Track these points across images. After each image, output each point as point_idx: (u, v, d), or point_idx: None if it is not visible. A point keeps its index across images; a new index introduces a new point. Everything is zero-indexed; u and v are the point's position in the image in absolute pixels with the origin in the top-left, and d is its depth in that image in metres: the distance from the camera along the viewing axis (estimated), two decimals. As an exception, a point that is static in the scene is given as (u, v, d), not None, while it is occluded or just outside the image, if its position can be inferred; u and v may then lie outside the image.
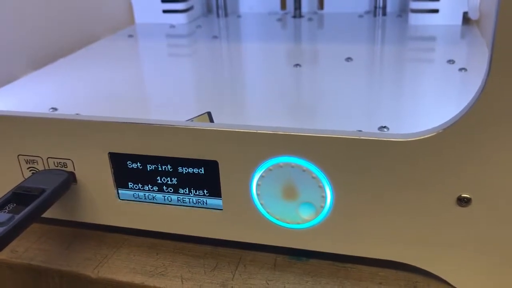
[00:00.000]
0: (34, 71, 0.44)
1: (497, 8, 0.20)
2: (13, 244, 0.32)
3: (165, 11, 0.59)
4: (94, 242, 0.32)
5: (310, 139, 0.25)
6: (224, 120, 0.31)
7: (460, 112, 0.23)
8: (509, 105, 0.22)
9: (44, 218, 0.30)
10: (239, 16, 0.62)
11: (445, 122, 0.24)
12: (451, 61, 0.40)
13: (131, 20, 0.62)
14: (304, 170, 0.26)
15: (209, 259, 0.31)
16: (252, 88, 0.38)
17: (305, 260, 0.30)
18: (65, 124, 0.29)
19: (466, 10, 0.50)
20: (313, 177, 0.26)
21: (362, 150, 0.25)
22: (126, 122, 0.28)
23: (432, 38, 0.49)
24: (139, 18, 0.61)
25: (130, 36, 0.55)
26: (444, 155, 0.24)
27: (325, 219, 0.27)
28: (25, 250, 0.32)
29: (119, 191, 0.30)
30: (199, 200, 0.29)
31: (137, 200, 0.30)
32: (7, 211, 0.27)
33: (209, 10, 0.65)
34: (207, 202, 0.29)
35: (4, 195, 0.28)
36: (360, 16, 0.58)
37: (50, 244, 0.33)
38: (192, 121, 0.31)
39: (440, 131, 0.24)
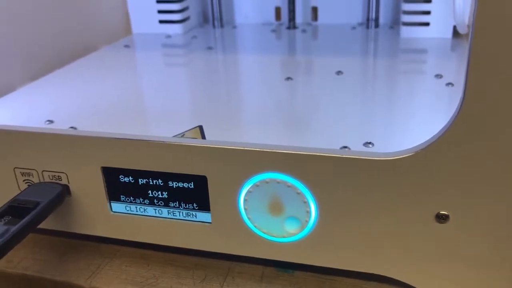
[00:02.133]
0: (31, 81, 0.45)
1: (472, 33, 0.21)
2: (8, 254, 0.33)
3: (161, 22, 0.60)
4: (87, 252, 0.33)
5: (295, 156, 0.26)
6: (215, 133, 0.32)
7: (438, 132, 0.24)
8: (485, 125, 0.23)
9: (38, 228, 0.31)
10: (234, 27, 0.63)
11: (424, 142, 0.25)
12: (438, 76, 0.40)
13: (127, 28, 0.63)
14: (289, 186, 0.27)
15: (199, 271, 0.31)
16: (244, 102, 0.39)
17: (291, 272, 0.31)
18: (60, 138, 0.30)
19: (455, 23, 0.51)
20: (298, 193, 0.27)
21: (344, 168, 0.26)
22: (119, 138, 0.29)
23: (421, 52, 0.50)
24: (136, 28, 0.62)
25: (127, 46, 0.56)
26: (423, 174, 0.25)
27: (310, 233, 0.28)
28: (20, 260, 0.33)
29: (112, 204, 0.31)
30: (188, 214, 0.30)
31: (129, 212, 0.31)
32: (3, 223, 0.28)
33: (205, 20, 0.66)
34: (196, 216, 0.30)
35: (0, 208, 0.29)
36: (353, 27, 0.59)
37: (44, 255, 0.33)
38: (183, 135, 0.32)
39: (419, 150, 0.24)
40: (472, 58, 0.22)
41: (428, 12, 0.52)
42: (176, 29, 0.60)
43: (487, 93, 0.22)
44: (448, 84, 0.38)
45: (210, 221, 0.30)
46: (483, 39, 0.21)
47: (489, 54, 0.21)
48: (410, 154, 0.25)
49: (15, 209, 0.29)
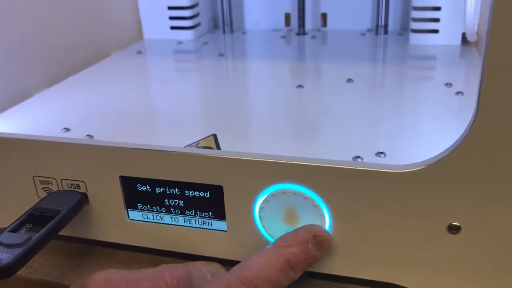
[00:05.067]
0: (46, 87, 0.46)
1: (485, 48, 0.22)
2: (27, 260, 0.34)
3: (173, 28, 0.61)
4: (105, 259, 0.34)
5: (310, 168, 0.27)
6: (227, 142, 0.32)
7: (451, 145, 0.25)
8: (498, 140, 0.23)
9: (57, 235, 0.32)
10: (244, 33, 0.64)
11: (436, 155, 0.25)
12: (448, 84, 0.41)
13: (139, 33, 0.63)
14: (305, 198, 0.28)
15: (214, 277, 0.32)
16: (255, 110, 0.40)
17: (305, 279, 0.31)
18: (79, 148, 0.31)
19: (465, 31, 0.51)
20: (312, 203, 0.28)
21: (358, 179, 0.27)
22: (137, 148, 0.30)
23: (430, 59, 0.50)
24: (147, 34, 0.62)
25: (139, 52, 0.57)
26: (435, 186, 0.25)
27: (324, 242, 0.29)
28: (39, 266, 0.34)
29: (129, 212, 0.32)
30: (204, 222, 0.31)
31: (146, 220, 0.32)
32: (24, 232, 0.29)
33: (215, 26, 0.67)
34: (212, 224, 0.31)
35: (21, 217, 0.30)
36: (362, 34, 0.60)
37: (62, 261, 0.34)
38: (198, 143, 0.33)
39: (432, 163, 0.25)
40: (486, 68, 0.22)
41: (437, 20, 0.53)
42: (187, 35, 0.61)
43: (501, 105, 0.22)
44: (458, 93, 0.39)
45: (226, 230, 0.31)
46: (498, 47, 0.21)
47: (504, 64, 0.21)
48: (423, 167, 0.25)
49: (36, 217, 0.30)
